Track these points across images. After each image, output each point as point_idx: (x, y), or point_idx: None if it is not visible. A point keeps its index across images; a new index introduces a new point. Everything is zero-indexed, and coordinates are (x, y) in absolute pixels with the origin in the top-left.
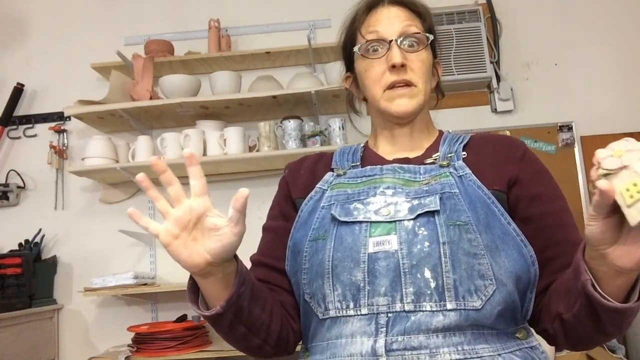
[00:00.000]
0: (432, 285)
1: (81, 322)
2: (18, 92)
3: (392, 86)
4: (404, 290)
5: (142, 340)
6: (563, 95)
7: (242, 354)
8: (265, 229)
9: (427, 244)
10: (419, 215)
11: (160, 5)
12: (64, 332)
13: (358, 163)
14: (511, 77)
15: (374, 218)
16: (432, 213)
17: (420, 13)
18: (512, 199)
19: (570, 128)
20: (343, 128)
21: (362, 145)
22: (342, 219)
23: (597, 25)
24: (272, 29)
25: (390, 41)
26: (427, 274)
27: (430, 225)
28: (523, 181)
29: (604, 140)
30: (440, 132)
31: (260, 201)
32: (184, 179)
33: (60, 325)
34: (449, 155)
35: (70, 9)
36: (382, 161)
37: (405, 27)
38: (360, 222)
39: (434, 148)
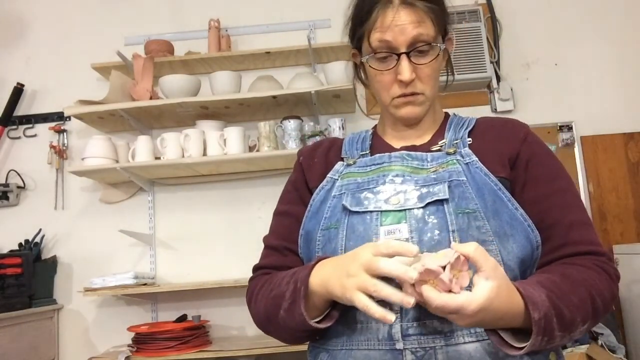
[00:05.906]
0: None
1: (81, 322)
2: (18, 92)
3: (400, 96)
4: None
5: (142, 340)
6: (563, 95)
7: (242, 354)
8: (282, 212)
9: (437, 232)
10: (428, 204)
11: (160, 5)
12: (64, 332)
13: (367, 152)
14: (511, 77)
15: (384, 207)
16: (441, 201)
17: (432, 9)
18: (511, 182)
19: (570, 128)
20: (343, 128)
21: (370, 132)
22: (353, 208)
23: (597, 25)
24: (272, 29)
25: (400, 54)
26: None
27: (439, 214)
28: (520, 164)
29: (604, 140)
30: (446, 116)
31: (260, 201)
32: (184, 179)
33: (60, 325)
34: (455, 142)
35: (70, 9)
36: (390, 149)
37: (416, 35)
38: (371, 211)
39: (439, 134)
